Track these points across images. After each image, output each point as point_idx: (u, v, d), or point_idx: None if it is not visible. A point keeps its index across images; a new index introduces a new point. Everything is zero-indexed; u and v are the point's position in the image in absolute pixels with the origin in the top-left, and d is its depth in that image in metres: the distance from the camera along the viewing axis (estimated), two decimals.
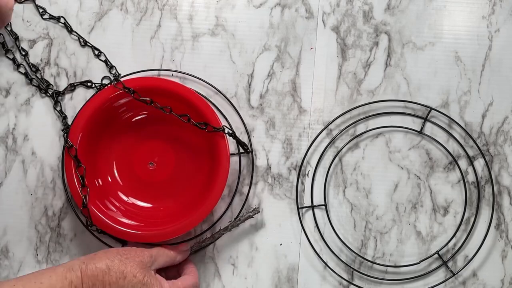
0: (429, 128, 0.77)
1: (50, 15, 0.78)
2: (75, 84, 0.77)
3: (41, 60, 0.78)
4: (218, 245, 0.77)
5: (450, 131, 0.76)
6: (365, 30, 0.78)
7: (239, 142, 0.75)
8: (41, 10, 0.78)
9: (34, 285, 0.60)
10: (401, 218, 0.76)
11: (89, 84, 0.78)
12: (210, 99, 0.77)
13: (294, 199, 0.76)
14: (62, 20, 0.78)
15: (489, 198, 0.76)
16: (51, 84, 0.78)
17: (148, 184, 0.76)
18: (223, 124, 0.72)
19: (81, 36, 0.78)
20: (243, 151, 0.76)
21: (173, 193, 0.76)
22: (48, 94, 0.77)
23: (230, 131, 0.73)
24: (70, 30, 0.78)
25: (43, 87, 0.77)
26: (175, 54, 0.78)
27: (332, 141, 0.77)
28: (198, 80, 0.78)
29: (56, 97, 0.77)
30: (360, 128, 0.77)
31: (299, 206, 0.76)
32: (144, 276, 0.65)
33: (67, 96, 0.78)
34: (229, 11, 0.78)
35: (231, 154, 0.77)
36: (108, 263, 0.64)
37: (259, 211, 0.75)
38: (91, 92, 0.78)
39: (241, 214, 0.75)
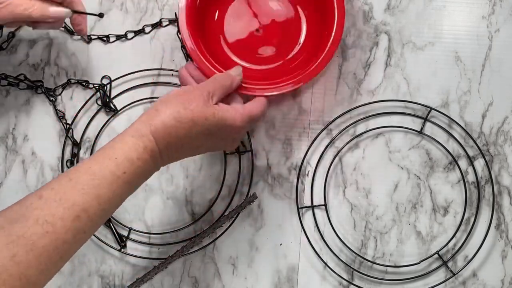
0: (429, 128, 0.77)
1: None
2: (72, 81, 0.77)
3: (41, 60, 0.78)
4: (218, 245, 0.76)
5: (450, 131, 0.76)
6: (365, 30, 0.78)
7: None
8: None
9: (109, 162, 0.56)
10: (401, 218, 0.76)
11: (84, 83, 0.78)
12: None
13: (294, 199, 0.76)
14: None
15: (489, 198, 0.76)
16: (42, 82, 0.78)
17: (256, 49, 0.76)
18: None
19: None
20: (242, 150, 0.76)
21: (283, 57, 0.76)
22: (39, 92, 0.77)
23: None
24: (71, 33, 0.78)
25: (34, 86, 0.77)
26: (175, 54, 0.78)
27: (332, 141, 0.77)
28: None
29: (49, 94, 0.77)
30: (360, 128, 0.77)
31: (299, 206, 0.76)
32: (214, 114, 0.62)
33: (67, 96, 0.78)
34: None
35: (230, 154, 0.77)
36: (175, 116, 0.60)
37: (257, 197, 0.74)
38: (90, 92, 0.78)
39: (238, 205, 0.74)
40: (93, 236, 0.76)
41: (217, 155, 0.77)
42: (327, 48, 0.71)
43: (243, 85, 0.70)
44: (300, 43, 0.76)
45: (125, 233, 0.76)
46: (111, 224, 0.76)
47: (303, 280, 0.76)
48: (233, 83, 0.67)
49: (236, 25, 0.77)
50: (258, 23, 0.77)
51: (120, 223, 0.76)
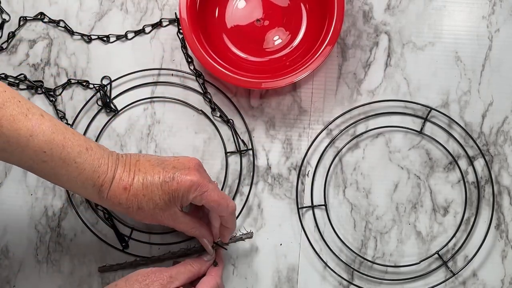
0: (429, 128, 0.77)
1: (50, 19, 0.78)
2: (72, 81, 0.78)
3: (41, 60, 0.78)
4: None
5: (450, 131, 0.76)
6: (365, 30, 0.78)
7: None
8: (40, 15, 0.78)
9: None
10: (401, 218, 0.76)
11: (85, 84, 0.78)
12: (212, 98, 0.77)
13: (294, 199, 0.76)
14: (62, 24, 0.78)
15: (489, 198, 0.76)
16: (42, 82, 0.78)
17: (257, 40, 0.77)
18: (230, 118, 0.76)
19: (84, 35, 0.78)
20: (244, 149, 0.76)
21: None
22: (39, 92, 0.77)
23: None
24: (71, 33, 0.78)
25: (34, 86, 0.77)
26: (175, 54, 0.78)
27: (332, 141, 0.77)
28: (198, 80, 0.78)
29: (49, 94, 0.77)
30: (360, 128, 0.77)
31: (299, 206, 0.76)
32: None
33: (67, 96, 0.78)
34: None
35: (231, 153, 0.77)
36: None
37: (252, 237, 0.74)
38: (90, 93, 0.78)
39: (234, 234, 0.74)
40: (94, 236, 0.76)
41: (218, 154, 0.77)
42: (327, 40, 0.72)
43: (242, 78, 0.72)
44: (300, 37, 0.77)
45: (127, 232, 0.76)
46: (114, 224, 0.76)
47: (303, 280, 0.76)
48: (201, 268, 0.70)
49: (238, 15, 0.77)
50: (259, 13, 0.77)
51: (122, 223, 0.76)
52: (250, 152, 0.77)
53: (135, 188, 0.64)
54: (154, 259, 0.74)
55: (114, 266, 0.74)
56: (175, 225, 0.67)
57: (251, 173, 0.76)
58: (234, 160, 0.77)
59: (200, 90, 0.78)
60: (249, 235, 0.73)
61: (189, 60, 0.78)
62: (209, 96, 0.77)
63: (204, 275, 0.70)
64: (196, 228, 0.69)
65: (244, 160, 0.77)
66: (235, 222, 0.71)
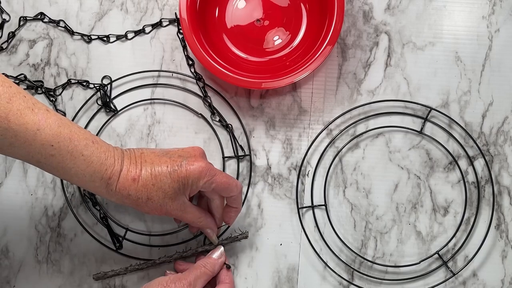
0: (429, 128, 0.77)
1: (50, 18, 0.78)
2: (72, 81, 0.78)
3: (41, 60, 0.78)
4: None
5: (450, 131, 0.76)
6: (365, 30, 0.78)
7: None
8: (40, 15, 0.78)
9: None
10: (401, 218, 0.76)
11: (85, 84, 0.78)
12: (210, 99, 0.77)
13: (294, 199, 0.76)
14: (62, 24, 0.78)
15: (489, 198, 0.76)
16: (42, 82, 0.78)
17: (257, 40, 0.77)
18: (229, 123, 0.75)
19: (84, 35, 0.78)
20: (241, 154, 0.76)
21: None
22: (39, 92, 0.77)
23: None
24: (71, 33, 0.78)
25: (34, 86, 0.77)
26: (175, 54, 0.78)
27: (332, 141, 0.77)
28: (198, 83, 0.78)
29: (49, 94, 0.77)
30: (360, 128, 0.77)
31: (299, 206, 0.76)
32: None
33: (67, 96, 0.78)
34: None
35: (228, 157, 0.77)
36: None
37: (247, 237, 0.74)
38: (90, 92, 0.78)
39: (230, 234, 0.74)
40: (93, 238, 0.76)
41: (216, 157, 0.77)
42: (327, 40, 0.72)
43: (242, 78, 0.72)
44: (300, 37, 0.77)
45: (122, 233, 0.76)
46: (108, 224, 0.76)
47: (303, 280, 0.76)
48: (215, 268, 0.71)
49: (238, 15, 0.77)
50: (259, 13, 0.77)
51: (118, 223, 0.76)
52: (248, 157, 0.77)
53: (143, 178, 0.64)
54: (150, 263, 0.74)
55: (108, 272, 0.74)
56: (183, 215, 0.68)
57: (249, 177, 0.76)
58: (232, 162, 0.77)
59: (200, 93, 0.78)
60: (245, 235, 0.73)
61: (190, 62, 0.78)
62: (209, 100, 0.77)
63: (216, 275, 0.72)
64: (202, 218, 0.70)
65: (243, 162, 0.77)
66: (242, 201, 0.73)
